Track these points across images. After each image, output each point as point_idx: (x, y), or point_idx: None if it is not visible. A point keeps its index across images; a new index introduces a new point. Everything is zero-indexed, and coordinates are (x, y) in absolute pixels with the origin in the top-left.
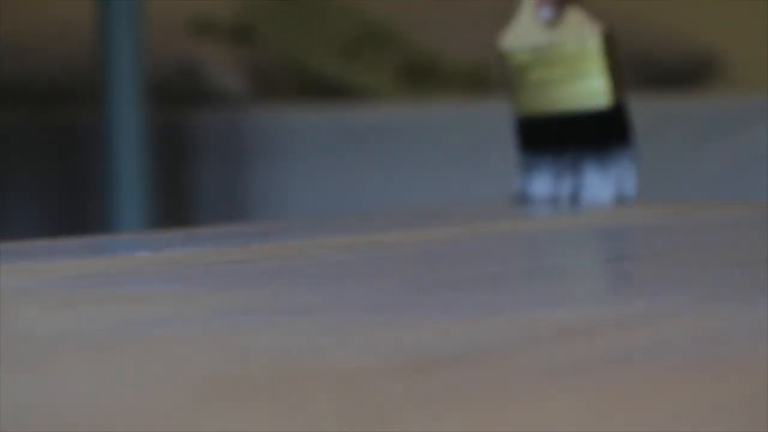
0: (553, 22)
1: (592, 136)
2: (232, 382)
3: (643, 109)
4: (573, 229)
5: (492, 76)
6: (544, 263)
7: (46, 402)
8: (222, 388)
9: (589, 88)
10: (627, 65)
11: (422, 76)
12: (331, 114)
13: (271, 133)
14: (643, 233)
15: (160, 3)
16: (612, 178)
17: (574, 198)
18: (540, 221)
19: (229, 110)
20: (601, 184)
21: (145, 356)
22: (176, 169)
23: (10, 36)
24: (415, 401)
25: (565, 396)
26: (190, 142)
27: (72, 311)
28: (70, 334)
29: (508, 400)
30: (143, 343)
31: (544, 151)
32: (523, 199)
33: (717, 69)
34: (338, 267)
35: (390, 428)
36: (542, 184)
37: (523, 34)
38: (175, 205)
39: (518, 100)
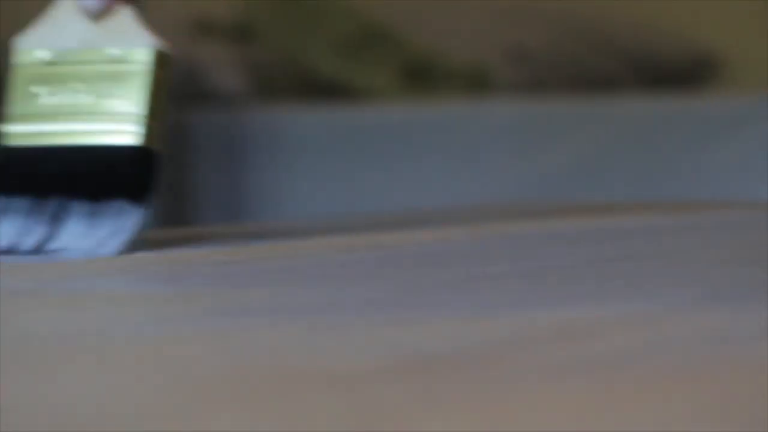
0: (98, 17)
1: (100, 177)
2: (232, 382)
3: (643, 109)
4: (573, 229)
5: (492, 76)
6: (544, 263)
7: (46, 402)
8: (222, 388)
9: (116, 117)
10: (627, 65)
11: (422, 76)
12: (331, 114)
13: (271, 133)
14: (643, 233)
15: (160, 3)
16: (102, 233)
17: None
18: (539, 221)
19: (229, 110)
20: (85, 235)
21: (145, 356)
22: (176, 169)
23: (10, 36)
24: (415, 401)
25: (565, 396)
26: (190, 142)
27: (72, 311)
28: (70, 334)
29: (508, 400)
30: (143, 343)
31: (27, 191)
32: None
33: (717, 69)
34: (338, 267)
35: (390, 428)
36: (9, 229)
37: (52, 29)
38: (175, 205)
39: (12, 114)
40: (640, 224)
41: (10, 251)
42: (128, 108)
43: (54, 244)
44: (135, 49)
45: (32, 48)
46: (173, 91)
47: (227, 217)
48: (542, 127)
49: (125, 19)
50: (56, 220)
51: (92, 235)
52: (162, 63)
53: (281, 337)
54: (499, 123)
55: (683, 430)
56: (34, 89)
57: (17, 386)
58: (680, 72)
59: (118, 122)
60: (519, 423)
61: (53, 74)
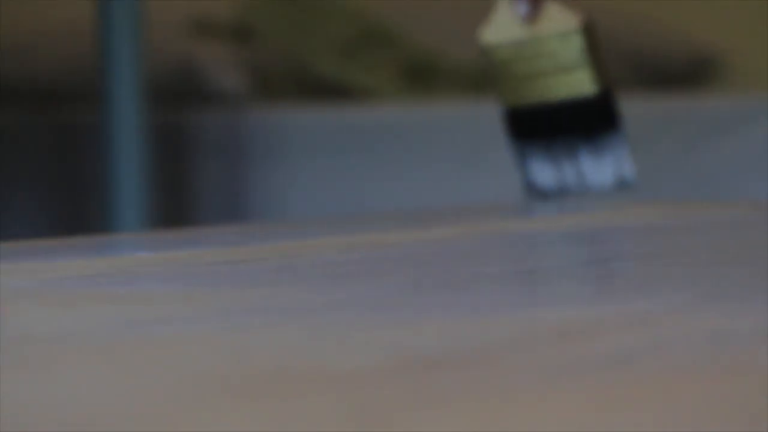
0: (530, 18)
1: (582, 123)
2: (232, 382)
3: (643, 109)
4: (573, 229)
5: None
6: (543, 263)
7: (46, 402)
8: (222, 388)
9: (574, 79)
10: (627, 65)
11: (422, 76)
12: (331, 114)
13: (270, 133)
14: (643, 233)
15: (160, 3)
16: (609, 164)
17: (580, 185)
18: (538, 221)
19: (229, 110)
20: (599, 170)
21: (145, 356)
22: (176, 169)
23: (10, 36)
24: (415, 401)
25: (565, 396)
26: (190, 142)
27: (72, 311)
28: (70, 334)
29: (508, 400)
30: (143, 343)
31: (536, 140)
32: (533, 191)
33: (717, 69)
34: (338, 267)
35: (390, 428)
36: (544, 173)
37: (503, 29)
38: (175, 205)
39: (504, 93)
40: (640, 224)
41: (558, 188)
42: (581, 72)
43: (584, 179)
44: (567, 31)
45: (494, 45)
46: (173, 91)
47: (227, 217)
48: None
49: (551, 10)
50: (572, 159)
51: (605, 167)
52: (589, 31)
53: (281, 337)
54: (499, 123)
55: (683, 430)
56: (512, 71)
57: (17, 386)
58: (680, 72)
59: (577, 83)
60: (519, 423)
61: (519, 59)
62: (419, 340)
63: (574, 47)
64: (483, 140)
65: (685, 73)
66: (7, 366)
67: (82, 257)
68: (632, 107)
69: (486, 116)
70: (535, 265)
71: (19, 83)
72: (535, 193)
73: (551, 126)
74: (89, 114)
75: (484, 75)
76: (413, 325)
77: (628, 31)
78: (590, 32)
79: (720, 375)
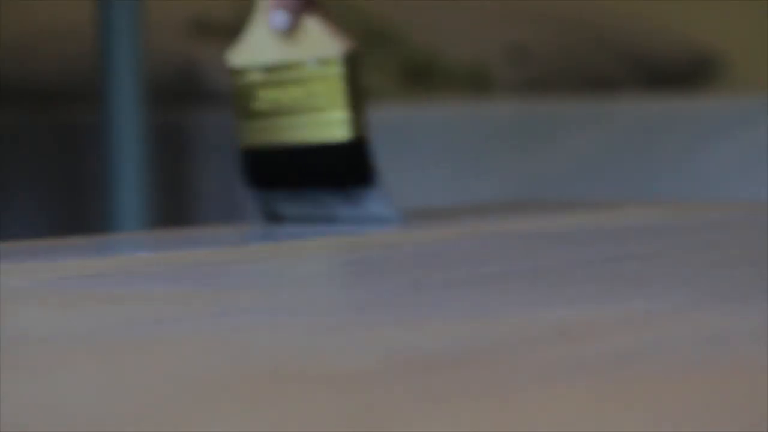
0: (288, 33)
1: (332, 173)
2: (232, 382)
3: (643, 109)
4: (573, 229)
5: (492, 76)
6: (544, 263)
7: (46, 402)
8: (222, 388)
9: (328, 118)
10: (627, 65)
11: (422, 76)
12: None
13: None
14: (643, 233)
15: (160, 3)
16: (362, 210)
17: (329, 220)
18: (538, 221)
19: (229, 110)
20: (351, 213)
21: (145, 356)
22: (176, 169)
23: (10, 36)
24: (415, 401)
25: (565, 396)
26: (190, 142)
27: (72, 311)
28: (70, 334)
29: (508, 400)
30: (143, 343)
31: (279, 186)
32: (274, 218)
33: (717, 69)
34: (338, 267)
35: (390, 428)
36: (288, 209)
37: (256, 48)
38: (175, 205)
39: (246, 128)
40: (640, 224)
41: (306, 218)
42: (337, 111)
43: (328, 219)
44: (329, 58)
45: (242, 66)
46: (173, 91)
47: (227, 217)
48: (542, 127)
49: (314, 29)
50: (324, 208)
51: (357, 214)
52: (354, 63)
53: (281, 337)
54: (499, 123)
55: (683, 430)
56: (254, 94)
57: (17, 386)
58: (680, 72)
59: (330, 124)
60: (519, 423)
61: (266, 81)
62: (419, 340)
63: (333, 79)
64: (483, 140)
65: (685, 73)
66: (7, 366)
67: (82, 257)
68: (632, 107)
69: (485, 116)
70: (535, 265)
71: (19, 83)
72: (276, 218)
73: (296, 171)
74: (89, 114)
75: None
76: (413, 325)
77: (629, 31)
78: (354, 63)
79: (720, 375)
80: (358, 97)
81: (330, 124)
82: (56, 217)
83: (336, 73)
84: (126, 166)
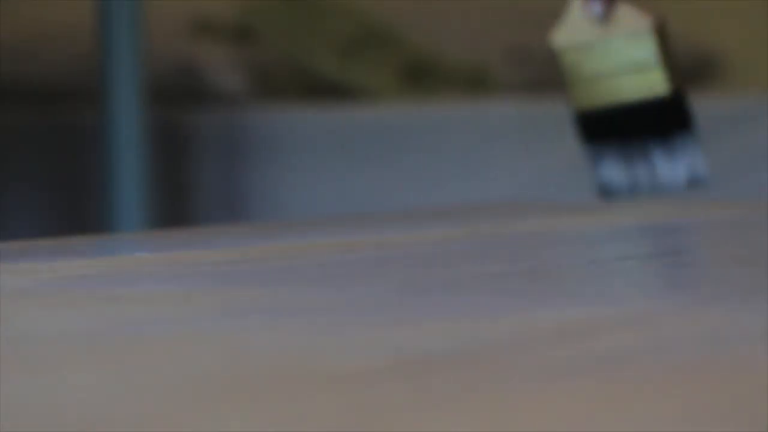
0: (604, 18)
1: (655, 124)
2: (231, 382)
3: None
4: (573, 229)
5: (492, 76)
6: (544, 263)
7: (46, 402)
8: (222, 388)
9: (647, 79)
10: None
11: (422, 76)
12: (331, 114)
13: (271, 133)
14: (643, 233)
15: (160, 3)
16: (682, 163)
17: (653, 185)
18: (538, 221)
19: (229, 110)
20: (672, 169)
21: (145, 356)
22: (176, 169)
23: (10, 36)
24: (414, 401)
25: (565, 396)
26: (190, 142)
27: (72, 311)
28: (70, 334)
29: (508, 400)
30: (143, 343)
31: (608, 142)
32: (605, 192)
33: (717, 69)
34: (338, 267)
35: (390, 428)
36: (616, 174)
37: (575, 30)
38: (175, 205)
39: (575, 95)
40: (640, 224)
41: (630, 188)
42: (654, 73)
43: (657, 179)
44: (639, 32)
45: (565, 46)
46: (173, 91)
47: (227, 217)
48: (542, 127)
49: (623, 10)
50: (646, 160)
51: (678, 167)
52: (662, 31)
53: (281, 337)
54: (499, 123)
55: (683, 430)
56: (583, 72)
57: (17, 386)
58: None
59: (650, 84)
60: (519, 423)
61: (590, 60)
62: (419, 340)
63: (645, 48)
64: (483, 140)
65: (685, 73)
66: (7, 366)
67: (82, 257)
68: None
69: (485, 116)
70: (535, 265)
71: (19, 83)
72: (607, 194)
73: (623, 127)
74: (89, 114)
75: (479, 78)
76: (413, 325)
77: None
78: (662, 32)
79: (720, 375)
80: (669, 59)
81: (650, 83)
82: (56, 217)
83: (647, 42)
84: (126, 166)
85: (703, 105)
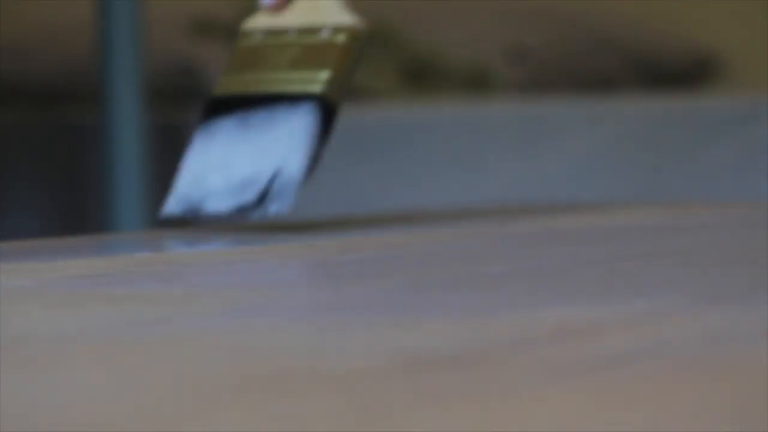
0: (275, 10)
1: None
2: (232, 382)
3: (643, 109)
4: (573, 229)
5: (492, 76)
6: (544, 263)
7: (46, 402)
8: (222, 388)
9: (311, 76)
10: (627, 65)
11: (422, 76)
12: None
13: None
14: (643, 233)
15: (160, 3)
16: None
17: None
18: (539, 221)
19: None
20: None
21: (145, 356)
22: (176, 169)
23: (10, 36)
24: (415, 401)
25: (565, 396)
26: (189, 142)
27: (72, 311)
28: (70, 334)
29: (508, 400)
30: (143, 343)
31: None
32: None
33: (717, 69)
34: (338, 267)
35: (390, 428)
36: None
37: (264, 17)
38: None
39: (224, 79)
40: (641, 224)
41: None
42: (324, 72)
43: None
44: (335, 29)
45: (251, 29)
46: (173, 91)
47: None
48: (542, 127)
49: (327, 2)
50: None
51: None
52: (356, 39)
53: (281, 337)
54: (499, 123)
55: (683, 430)
56: (252, 59)
57: (17, 386)
58: (680, 72)
59: (311, 81)
60: (519, 423)
61: (269, 49)
62: (419, 340)
63: (333, 47)
64: (483, 140)
65: (685, 73)
66: (7, 366)
67: (82, 257)
68: (632, 107)
69: (485, 116)
70: (535, 265)
71: (19, 83)
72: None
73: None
74: (89, 114)
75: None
76: (413, 325)
77: (628, 31)
78: (357, 40)
79: (720, 375)
80: (348, 72)
81: (310, 80)
82: (56, 217)
83: (338, 43)
84: (126, 166)
85: (703, 105)
